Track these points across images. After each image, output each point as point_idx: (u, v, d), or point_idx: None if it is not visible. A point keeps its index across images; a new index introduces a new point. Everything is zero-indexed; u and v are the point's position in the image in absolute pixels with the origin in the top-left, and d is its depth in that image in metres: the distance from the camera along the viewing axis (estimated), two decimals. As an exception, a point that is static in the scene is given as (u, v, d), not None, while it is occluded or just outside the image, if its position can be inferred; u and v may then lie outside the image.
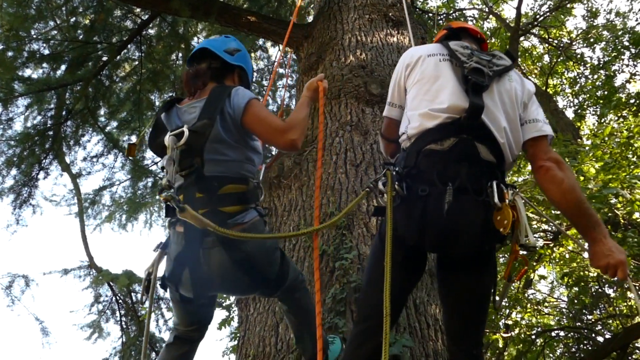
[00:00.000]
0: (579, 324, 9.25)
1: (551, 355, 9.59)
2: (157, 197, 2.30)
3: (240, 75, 2.83)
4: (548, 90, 14.11)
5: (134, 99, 8.98)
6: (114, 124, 9.59)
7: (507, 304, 8.88)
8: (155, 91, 9.68)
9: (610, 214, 6.52)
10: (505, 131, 2.29)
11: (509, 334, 8.78)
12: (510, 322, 9.05)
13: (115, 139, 9.35)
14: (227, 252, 2.36)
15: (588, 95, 14.60)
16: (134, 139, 9.75)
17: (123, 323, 8.92)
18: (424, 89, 2.39)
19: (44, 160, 8.70)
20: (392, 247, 2.00)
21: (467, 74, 2.34)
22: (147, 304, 2.56)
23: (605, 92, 13.01)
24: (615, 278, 2.09)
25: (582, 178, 6.80)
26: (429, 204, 2.18)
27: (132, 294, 8.76)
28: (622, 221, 6.71)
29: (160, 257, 2.56)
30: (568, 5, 14.73)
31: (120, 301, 8.91)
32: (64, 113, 8.68)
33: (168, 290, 2.54)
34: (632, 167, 7.09)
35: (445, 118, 2.26)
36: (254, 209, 2.51)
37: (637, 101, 12.21)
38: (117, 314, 8.92)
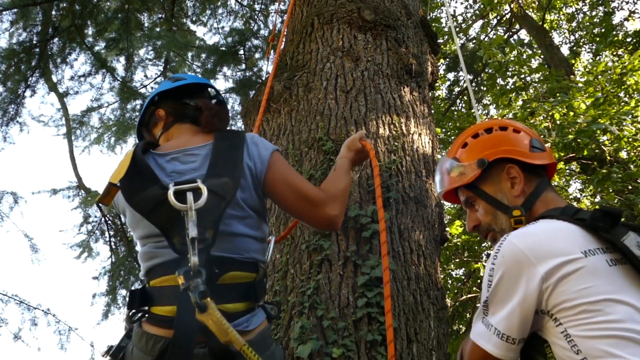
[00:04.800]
0: None
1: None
2: (181, 284, 1.48)
3: None
4: (545, 25, 13.89)
5: (122, 18, 8.74)
6: (102, 43, 9.40)
7: None
8: (145, 11, 9.44)
9: (597, 150, 6.59)
10: None
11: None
12: None
13: (103, 58, 9.17)
14: None
15: (585, 32, 14.41)
16: (122, 60, 9.58)
17: (112, 243, 9.05)
18: (606, 324, 1.41)
19: (30, 78, 8.55)
20: None
21: None
22: None
23: (602, 30, 12.82)
24: None
25: (571, 114, 6.81)
26: None
27: (121, 215, 8.84)
28: (609, 157, 6.78)
29: None
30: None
31: (110, 222, 9.01)
32: (50, 30, 8.47)
33: None
34: (622, 104, 7.10)
35: None
36: (262, 307, 1.86)
37: (634, 39, 12.08)
38: (107, 234, 9.04)
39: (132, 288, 1.78)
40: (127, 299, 1.75)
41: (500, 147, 1.84)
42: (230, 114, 2.20)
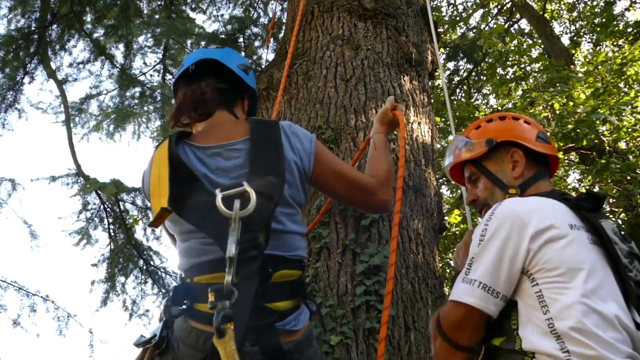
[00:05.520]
0: None
1: None
2: (210, 302, 1.43)
3: (249, 102, 2.11)
4: (545, 15, 13.85)
5: (121, 5, 8.70)
6: (101, 30, 9.35)
7: None
8: (144, -3, 9.41)
9: (596, 140, 6.59)
10: None
11: None
12: None
13: (102, 45, 9.14)
14: None
15: (585, 22, 14.35)
16: (121, 47, 9.54)
17: (111, 231, 9.05)
18: (580, 290, 1.49)
19: (29, 65, 8.52)
20: None
21: (637, 291, 1.62)
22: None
23: (603, 20, 12.77)
24: None
25: (571, 104, 6.81)
26: None
27: (120, 202, 8.84)
28: (608, 147, 6.79)
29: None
30: None
31: (108, 209, 9.00)
32: (48, 17, 8.42)
33: None
34: (622, 94, 7.09)
35: (628, 354, 1.45)
36: (305, 304, 1.82)
37: (635, 30, 12.04)
38: (105, 221, 9.03)
39: (175, 284, 1.73)
40: (171, 294, 1.71)
41: (509, 132, 1.98)
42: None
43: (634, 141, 7.18)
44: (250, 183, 1.60)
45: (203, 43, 9.72)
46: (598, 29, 12.71)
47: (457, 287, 1.63)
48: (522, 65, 12.19)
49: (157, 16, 9.89)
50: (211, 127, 1.89)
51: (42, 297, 8.86)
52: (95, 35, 9.26)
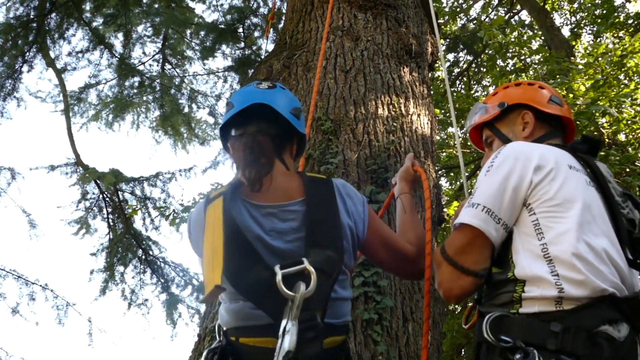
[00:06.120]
0: None
1: None
2: None
3: (297, 147, 2.01)
4: (546, 6, 13.79)
5: (121, -6, 8.67)
6: (100, 19, 9.31)
7: None
8: (143, -13, 9.36)
9: (596, 132, 6.59)
10: None
11: None
12: None
13: (101, 34, 9.10)
14: None
15: (586, 14, 14.30)
16: (120, 36, 9.51)
17: (110, 220, 9.05)
18: (575, 219, 1.57)
19: (27, 53, 8.49)
20: None
21: (628, 227, 1.69)
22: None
23: (604, 11, 12.72)
24: None
25: (571, 95, 6.80)
26: None
27: (119, 192, 8.84)
28: (607, 140, 6.78)
29: None
30: None
31: (107, 199, 9.00)
32: (47, 5, 8.39)
33: None
34: (622, 86, 7.08)
35: (614, 284, 1.53)
36: None
37: (635, 22, 12.01)
38: (104, 211, 9.04)
39: (220, 342, 1.70)
40: (217, 351, 1.67)
41: (521, 95, 2.08)
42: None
43: (633, 133, 7.18)
44: (309, 257, 1.59)
45: (202, 33, 9.68)
46: (598, 20, 12.67)
47: (461, 214, 1.69)
48: (523, 57, 12.17)
49: (156, 5, 9.85)
50: (273, 183, 1.82)
51: (41, 285, 8.87)
52: (95, 24, 9.23)
